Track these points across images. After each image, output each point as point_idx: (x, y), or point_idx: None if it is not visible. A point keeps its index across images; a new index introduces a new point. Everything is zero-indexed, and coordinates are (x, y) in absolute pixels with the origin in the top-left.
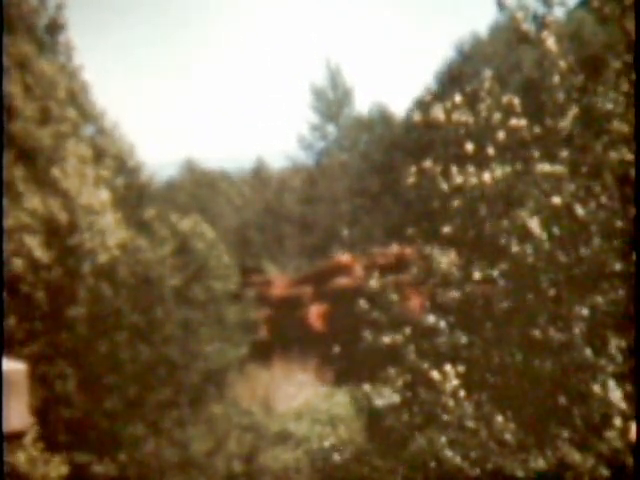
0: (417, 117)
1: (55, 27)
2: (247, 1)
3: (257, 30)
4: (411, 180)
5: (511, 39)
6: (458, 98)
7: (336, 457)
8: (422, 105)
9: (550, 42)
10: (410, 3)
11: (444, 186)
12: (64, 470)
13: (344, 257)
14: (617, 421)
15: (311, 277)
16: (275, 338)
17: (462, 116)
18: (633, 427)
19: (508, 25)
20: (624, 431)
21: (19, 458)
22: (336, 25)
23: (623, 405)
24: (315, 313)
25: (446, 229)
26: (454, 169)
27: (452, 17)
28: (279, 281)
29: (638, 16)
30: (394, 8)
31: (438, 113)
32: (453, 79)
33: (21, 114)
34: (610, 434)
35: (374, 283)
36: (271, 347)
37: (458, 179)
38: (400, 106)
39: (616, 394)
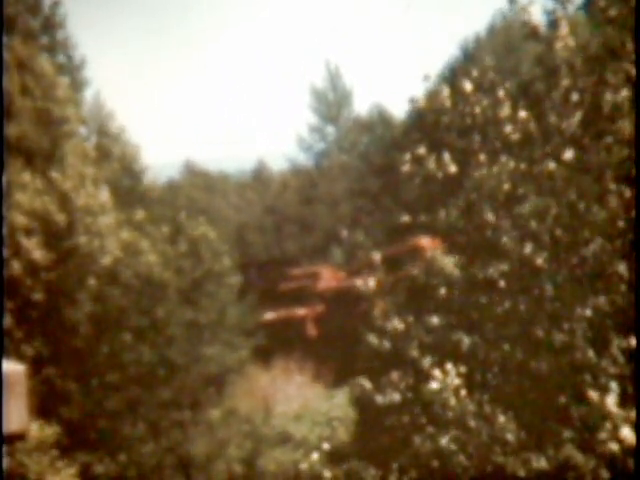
0: (422, 101)
1: (52, 26)
2: (248, 3)
3: (258, 32)
4: (406, 168)
5: (508, 40)
6: (468, 85)
7: (327, 474)
8: (428, 82)
9: (565, 39)
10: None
11: (439, 174)
12: None
13: (422, 240)
14: (610, 425)
15: None
16: (326, 336)
17: (467, 106)
18: (631, 430)
19: (504, 27)
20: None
21: (33, 466)
22: (336, 27)
23: (618, 410)
24: (382, 306)
25: (445, 218)
26: (446, 156)
27: (453, 19)
28: (327, 273)
29: (638, 17)
30: (394, 10)
31: (444, 99)
32: (455, 78)
33: (19, 114)
34: (606, 436)
35: (371, 285)
36: (320, 346)
37: (452, 168)
38: (400, 107)
39: (614, 396)
